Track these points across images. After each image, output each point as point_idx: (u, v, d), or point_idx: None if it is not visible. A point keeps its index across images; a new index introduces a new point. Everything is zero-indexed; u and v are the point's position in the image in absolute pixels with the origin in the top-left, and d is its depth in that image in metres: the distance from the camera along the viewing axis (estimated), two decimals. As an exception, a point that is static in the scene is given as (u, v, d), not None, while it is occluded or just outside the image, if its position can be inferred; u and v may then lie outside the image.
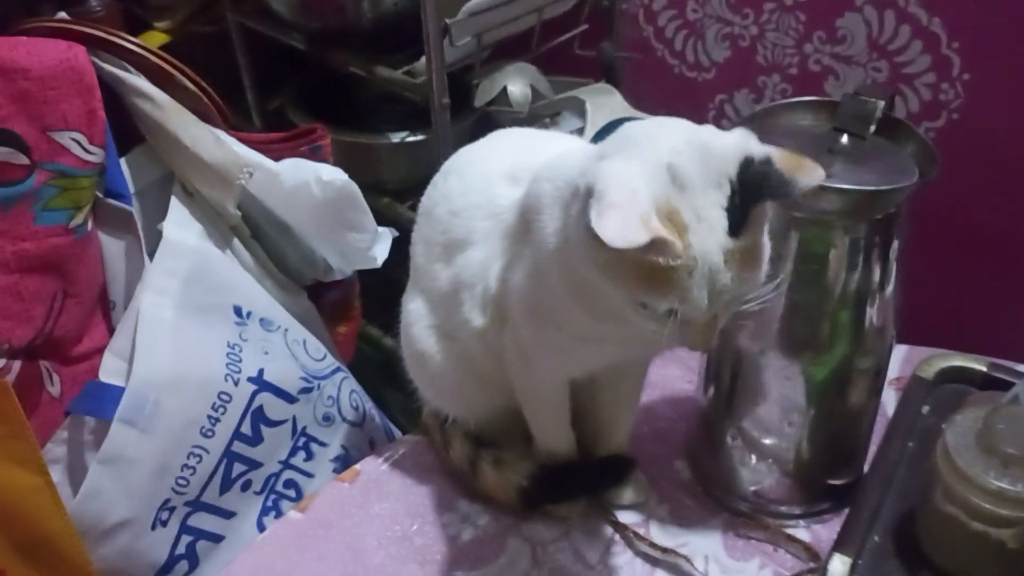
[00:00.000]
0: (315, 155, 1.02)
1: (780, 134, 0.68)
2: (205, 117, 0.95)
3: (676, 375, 0.97)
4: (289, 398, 0.97)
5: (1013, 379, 0.82)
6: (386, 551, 0.82)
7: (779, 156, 0.57)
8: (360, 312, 1.18)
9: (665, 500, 0.85)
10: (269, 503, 0.97)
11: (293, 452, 0.99)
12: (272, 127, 1.34)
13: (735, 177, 0.56)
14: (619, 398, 0.83)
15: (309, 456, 1.00)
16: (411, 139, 1.30)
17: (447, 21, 1.09)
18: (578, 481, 0.84)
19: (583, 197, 0.58)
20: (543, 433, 0.83)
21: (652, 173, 0.56)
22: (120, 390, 0.84)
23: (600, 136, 0.64)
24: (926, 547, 0.70)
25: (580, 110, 1.27)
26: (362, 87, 1.41)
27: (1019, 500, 0.63)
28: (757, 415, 0.78)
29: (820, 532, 0.80)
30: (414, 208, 0.85)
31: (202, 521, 0.92)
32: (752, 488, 0.82)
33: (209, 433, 0.89)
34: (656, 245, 0.54)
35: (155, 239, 0.91)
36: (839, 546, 0.71)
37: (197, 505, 0.91)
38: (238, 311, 0.94)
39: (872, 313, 0.72)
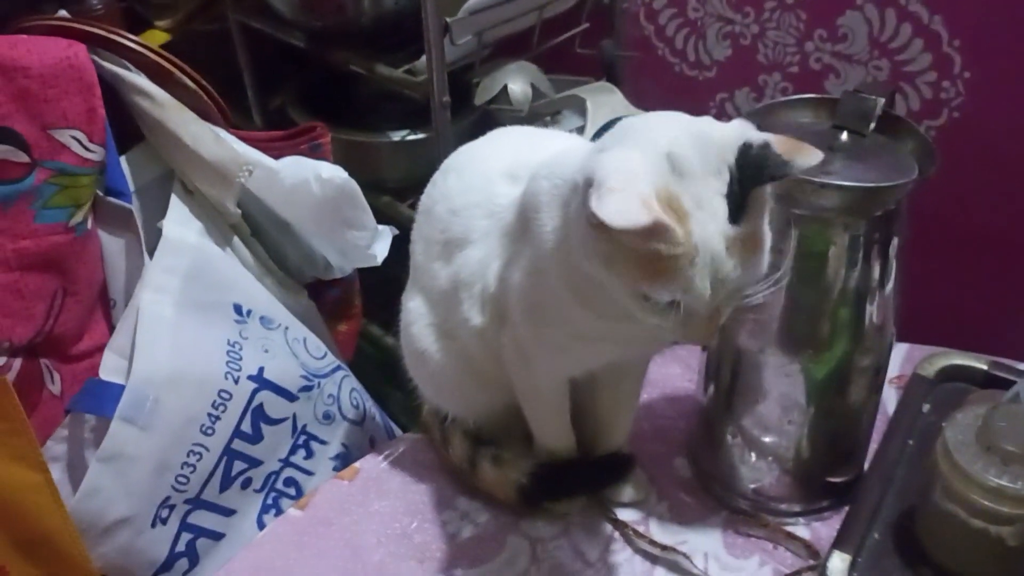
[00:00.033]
0: (315, 153, 1.02)
1: (780, 131, 0.68)
2: (205, 115, 0.95)
3: (676, 373, 0.97)
4: (289, 396, 0.97)
5: (1013, 377, 0.82)
6: (386, 549, 0.82)
7: (777, 140, 0.57)
8: (360, 310, 1.18)
9: (665, 498, 0.85)
10: (269, 501, 0.97)
11: (293, 450, 0.99)
12: (273, 125, 1.35)
13: (734, 165, 0.56)
14: (619, 396, 0.83)
15: (309, 454, 1.00)
16: (411, 137, 1.30)
17: (447, 19, 1.09)
18: (578, 479, 0.84)
19: (582, 190, 0.58)
20: (542, 431, 0.83)
21: (651, 162, 0.56)
22: (120, 388, 0.84)
23: (600, 134, 0.64)
24: (926, 545, 0.70)
25: (581, 109, 1.27)
26: (363, 85, 1.41)
27: (1019, 497, 0.63)
28: (757, 413, 0.78)
29: (820, 530, 0.80)
30: (414, 206, 0.85)
31: (202, 519, 0.92)
32: (752, 486, 0.82)
33: (209, 431, 0.89)
34: (657, 232, 0.54)
35: (155, 237, 0.91)
36: (839, 544, 0.71)
37: (197, 503, 0.91)
38: (238, 309, 0.94)
39: (872, 311, 0.72)
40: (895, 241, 0.70)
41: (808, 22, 1.23)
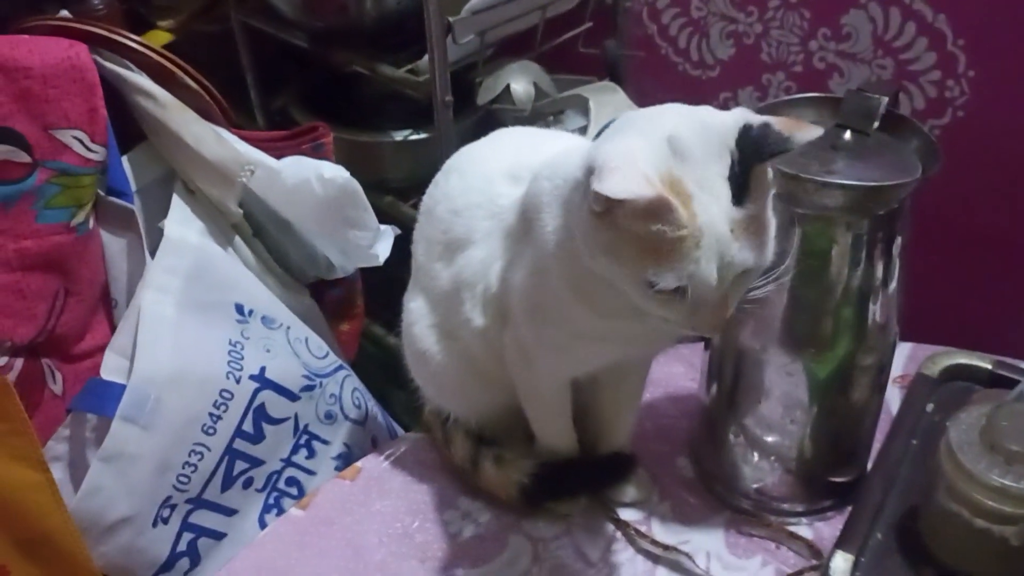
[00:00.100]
0: (317, 153, 1.02)
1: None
2: (207, 115, 0.95)
3: (679, 372, 0.96)
4: (291, 396, 0.97)
5: (1018, 377, 0.81)
6: (387, 548, 0.82)
7: (777, 120, 0.57)
8: (363, 310, 1.18)
9: (667, 497, 0.85)
10: (271, 500, 0.97)
11: (295, 450, 0.99)
12: (276, 126, 1.35)
13: (735, 148, 0.56)
14: (621, 396, 0.83)
15: (311, 454, 1.00)
16: (414, 137, 1.30)
17: (450, 19, 1.09)
18: (579, 479, 0.84)
19: (584, 184, 0.58)
20: (544, 431, 0.82)
21: (652, 146, 0.56)
22: (121, 388, 0.84)
23: (601, 134, 0.64)
24: (929, 544, 0.70)
25: (584, 108, 1.27)
26: (365, 85, 1.41)
27: (1022, 497, 0.63)
28: (759, 412, 0.78)
29: (822, 530, 0.80)
30: (417, 206, 0.85)
31: (203, 518, 0.92)
32: (754, 485, 0.82)
33: (211, 431, 0.89)
34: (660, 210, 0.54)
35: (157, 237, 0.91)
36: (841, 543, 0.70)
37: (198, 502, 0.91)
38: (240, 309, 0.94)
39: (875, 310, 0.72)
40: (899, 240, 0.70)
41: (812, 21, 1.23)
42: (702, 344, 0.83)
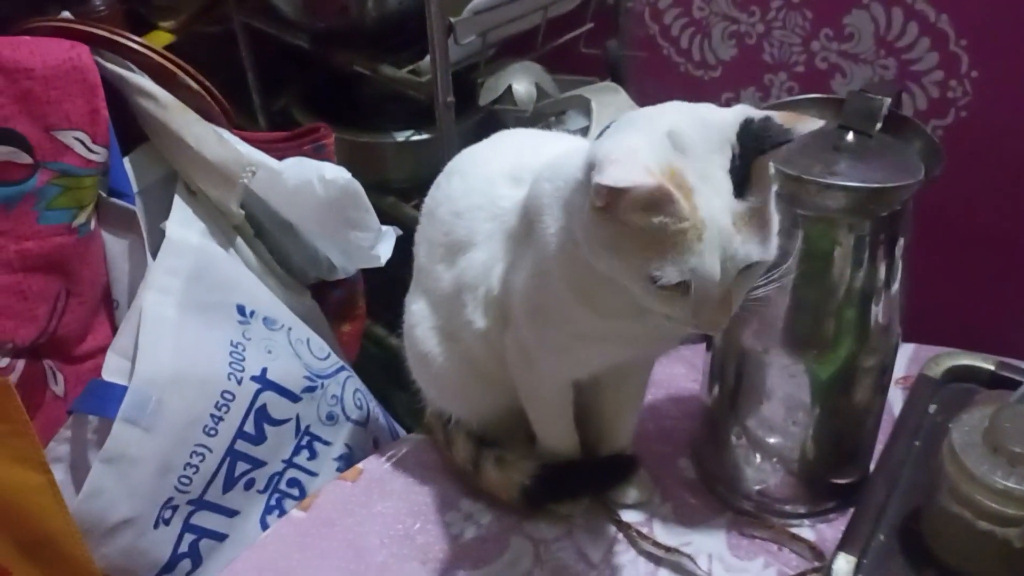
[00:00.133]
0: (318, 154, 1.02)
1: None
2: (208, 116, 0.95)
3: (681, 373, 0.96)
4: (293, 397, 0.97)
5: (1020, 378, 0.81)
6: (388, 550, 0.82)
7: (778, 115, 0.57)
8: (364, 311, 1.18)
9: (669, 499, 0.85)
10: (272, 502, 0.97)
11: (297, 451, 0.99)
12: (277, 126, 1.35)
13: (735, 141, 0.56)
14: (623, 397, 0.83)
15: (313, 455, 1.00)
16: (416, 138, 1.30)
17: (451, 20, 1.08)
18: (581, 480, 0.84)
19: (585, 184, 0.58)
20: (546, 433, 0.82)
21: (652, 140, 0.56)
22: (123, 389, 0.84)
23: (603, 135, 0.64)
24: (931, 546, 0.70)
25: (585, 109, 1.27)
26: (367, 86, 1.41)
27: (1025, 499, 0.63)
28: (761, 414, 0.78)
29: (825, 531, 0.80)
30: (419, 207, 0.85)
31: (205, 520, 0.92)
32: (756, 487, 0.82)
33: (212, 432, 0.89)
34: (662, 201, 0.54)
35: (158, 238, 0.91)
36: (844, 545, 0.70)
37: (200, 504, 0.91)
38: (241, 310, 0.94)
39: (877, 311, 0.72)
40: (901, 241, 0.70)
41: (814, 21, 1.23)
42: (704, 345, 0.83)
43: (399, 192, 1.30)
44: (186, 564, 0.91)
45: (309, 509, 0.87)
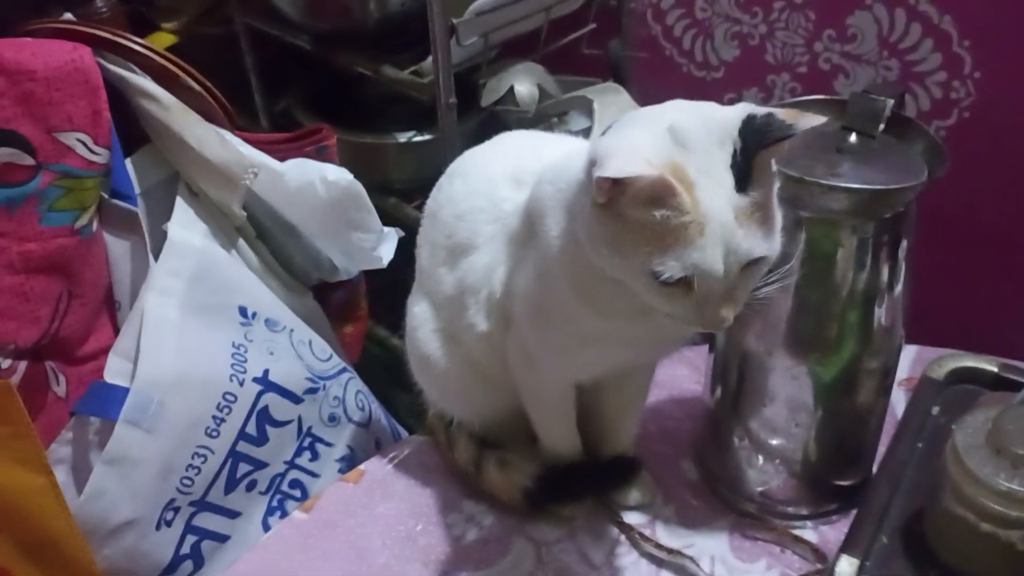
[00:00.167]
0: (320, 155, 1.02)
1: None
2: (210, 117, 0.95)
3: (683, 375, 0.96)
4: (294, 398, 0.97)
5: (1024, 379, 0.81)
6: (390, 551, 0.82)
7: (780, 111, 0.57)
8: (366, 312, 1.18)
9: (671, 500, 0.84)
10: (274, 503, 0.97)
11: (299, 452, 0.99)
12: (279, 128, 1.35)
13: (737, 137, 0.56)
14: (625, 398, 0.82)
15: (315, 456, 1.00)
16: (418, 139, 1.30)
17: (454, 21, 1.08)
18: (583, 482, 0.84)
19: (586, 183, 0.58)
20: (548, 435, 0.82)
21: (653, 136, 0.56)
22: (125, 391, 0.84)
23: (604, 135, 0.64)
24: (934, 548, 0.70)
25: (588, 109, 1.27)
26: (369, 87, 1.41)
27: (1029, 502, 0.63)
28: (764, 415, 0.78)
29: (827, 533, 0.80)
30: (421, 208, 0.85)
31: (207, 521, 0.92)
32: (759, 489, 0.81)
33: (214, 433, 0.89)
34: (663, 194, 0.54)
35: (160, 240, 0.91)
36: (846, 547, 0.70)
37: (202, 505, 0.91)
38: (243, 311, 0.94)
39: (880, 313, 0.72)
40: (904, 243, 0.70)
41: (817, 22, 1.23)
42: (707, 347, 0.82)
43: (401, 193, 1.30)
44: (188, 565, 0.91)
45: (311, 510, 0.87)
